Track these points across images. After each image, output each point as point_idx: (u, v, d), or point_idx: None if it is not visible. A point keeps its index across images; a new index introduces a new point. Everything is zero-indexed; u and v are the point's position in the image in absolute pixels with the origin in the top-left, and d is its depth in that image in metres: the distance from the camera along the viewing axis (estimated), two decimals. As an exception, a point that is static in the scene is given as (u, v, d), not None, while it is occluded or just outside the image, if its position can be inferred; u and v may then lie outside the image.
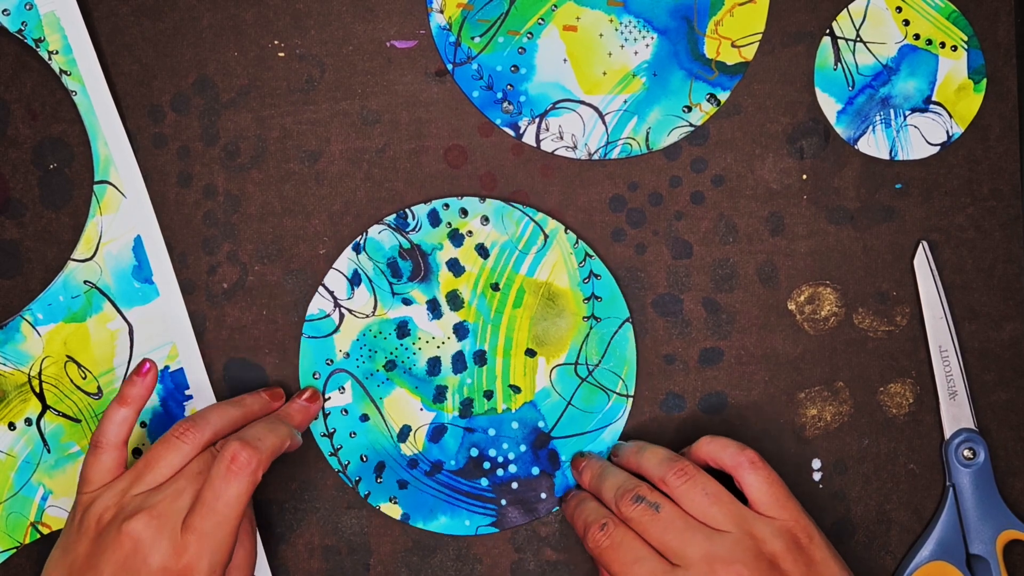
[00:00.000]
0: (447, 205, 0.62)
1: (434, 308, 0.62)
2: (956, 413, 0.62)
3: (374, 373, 0.62)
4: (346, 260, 0.62)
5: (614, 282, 0.62)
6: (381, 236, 0.62)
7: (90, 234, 0.63)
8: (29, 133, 0.63)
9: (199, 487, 0.56)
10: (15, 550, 0.63)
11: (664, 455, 0.58)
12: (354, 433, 0.62)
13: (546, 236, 0.62)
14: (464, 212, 0.62)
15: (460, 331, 0.62)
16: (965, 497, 0.61)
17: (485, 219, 0.62)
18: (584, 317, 0.62)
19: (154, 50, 0.63)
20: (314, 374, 0.62)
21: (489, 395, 0.62)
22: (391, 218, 0.62)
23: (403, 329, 0.62)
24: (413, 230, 0.62)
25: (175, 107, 0.63)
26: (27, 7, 0.62)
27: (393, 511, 0.62)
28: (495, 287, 0.62)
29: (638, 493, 0.56)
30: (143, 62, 0.63)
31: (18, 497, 0.63)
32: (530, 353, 0.62)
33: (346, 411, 0.62)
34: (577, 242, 0.61)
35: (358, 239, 0.62)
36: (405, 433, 0.62)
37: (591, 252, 0.62)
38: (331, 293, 0.62)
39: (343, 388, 0.62)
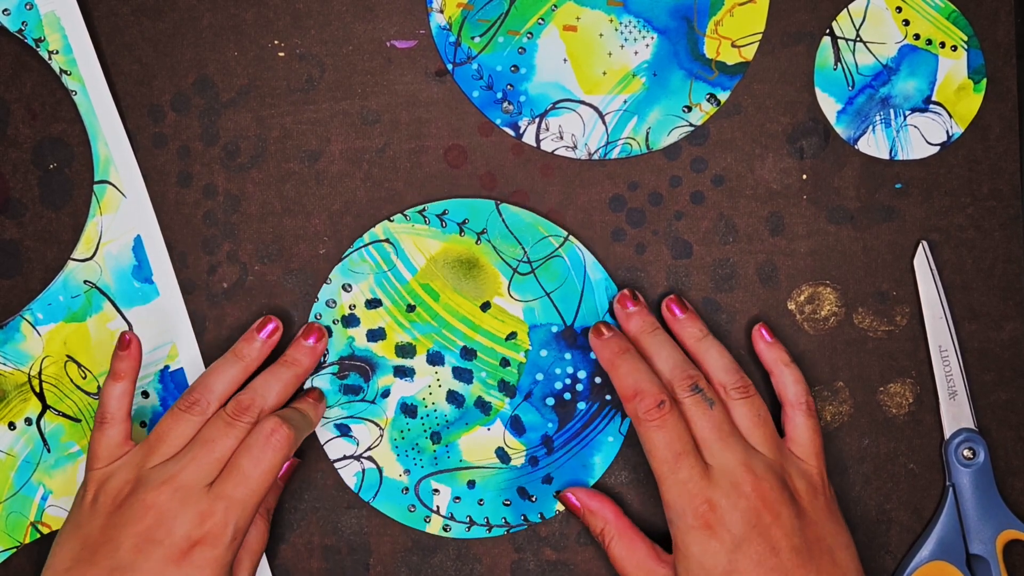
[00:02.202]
0: (319, 315, 0.62)
1: (403, 373, 0.62)
2: (956, 413, 0.62)
3: (436, 455, 0.62)
4: (325, 432, 0.62)
5: (454, 199, 0.62)
6: (331, 383, 0.62)
7: (90, 234, 0.63)
8: (29, 133, 0.63)
9: (217, 455, 0.56)
10: (15, 550, 0.63)
11: (730, 363, 0.59)
12: (481, 501, 0.62)
13: (387, 241, 0.62)
14: (332, 303, 0.62)
15: (435, 359, 0.62)
16: (965, 497, 0.61)
17: (347, 286, 0.62)
18: (475, 243, 0.62)
19: (154, 50, 0.63)
20: (410, 507, 0.62)
21: (505, 363, 0.62)
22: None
23: (408, 410, 0.62)
24: (324, 359, 0.62)
25: (175, 107, 0.63)
26: (27, 7, 0.62)
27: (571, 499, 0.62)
28: (411, 308, 0.62)
29: (697, 383, 0.57)
30: (143, 62, 0.63)
31: (18, 497, 0.63)
32: (485, 307, 0.62)
33: (458, 498, 0.62)
34: (406, 215, 0.62)
35: None
36: (503, 454, 0.62)
37: (420, 207, 0.62)
38: (347, 457, 0.62)
39: (436, 490, 0.62)
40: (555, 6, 0.62)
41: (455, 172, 0.63)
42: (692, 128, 0.62)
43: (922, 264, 0.62)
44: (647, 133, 0.62)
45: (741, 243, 0.63)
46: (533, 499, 0.62)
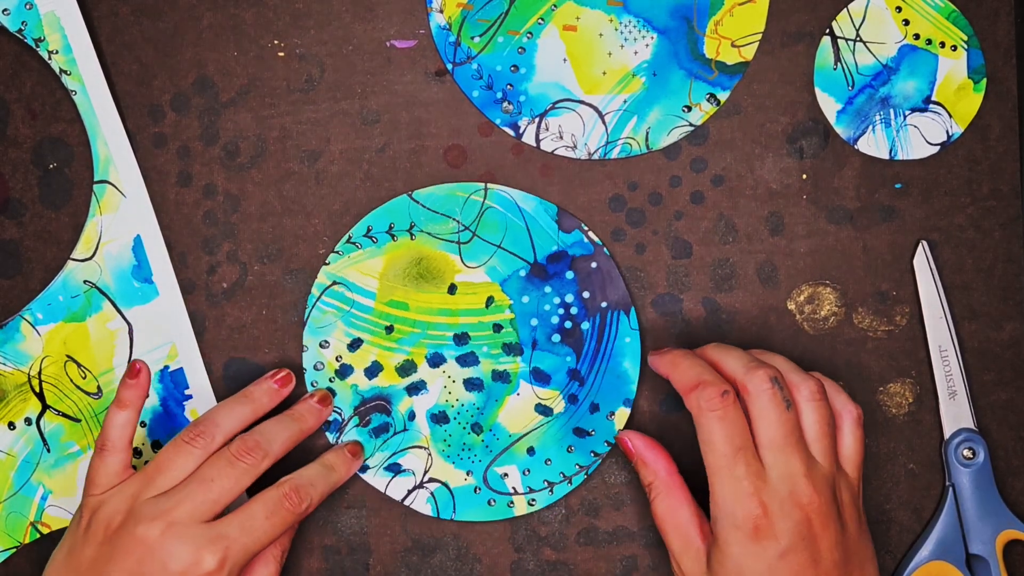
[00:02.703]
0: (314, 382, 0.62)
1: (416, 389, 0.62)
2: (956, 413, 0.62)
3: (485, 443, 0.62)
4: (379, 478, 0.62)
5: (371, 213, 0.62)
6: (358, 435, 0.62)
7: (90, 234, 0.63)
8: (29, 133, 0.63)
9: (214, 495, 0.56)
10: (15, 550, 0.63)
11: (796, 367, 0.57)
12: (548, 460, 0.62)
13: (335, 284, 0.62)
14: (319, 365, 0.62)
15: (435, 360, 0.62)
16: (965, 497, 0.61)
17: (323, 343, 0.62)
18: (411, 240, 0.62)
19: (154, 50, 0.63)
20: (489, 503, 0.62)
21: (498, 328, 0.62)
22: (330, 435, 0.62)
23: (439, 418, 0.62)
24: (342, 418, 0.62)
25: (175, 107, 0.63)
26: (27, 7, 0.62)
27: (622, 418, 0.62)
28: (389, 330, 0.62)
29: (778, 377, 0.55)
30: (143, 62, 0.63)
31: (18, 497, 0.63)
32: (452, 290, 0.62)
33: (527, 470, 0.62)
34: (337, 251, 0.62)
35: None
36: (543, 408, 0.62)
37: (345, 236, 0.62)
38: (411, 490, 0.62)
39: (504, 474, 0.62)
40: (555, 6, 0.62)
41: (455, 172, 0.63)
42: (692, 128, 0.62)
43: (922, 264, 0.62)
44: (647, 133, 0.62)
45: (741, 243, 0.63)
46: (591, 433, 0.62)
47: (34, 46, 0.62)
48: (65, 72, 0.62)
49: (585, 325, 0.62)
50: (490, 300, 0.62)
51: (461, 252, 0.62)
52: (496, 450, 0.62)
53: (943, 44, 0.62)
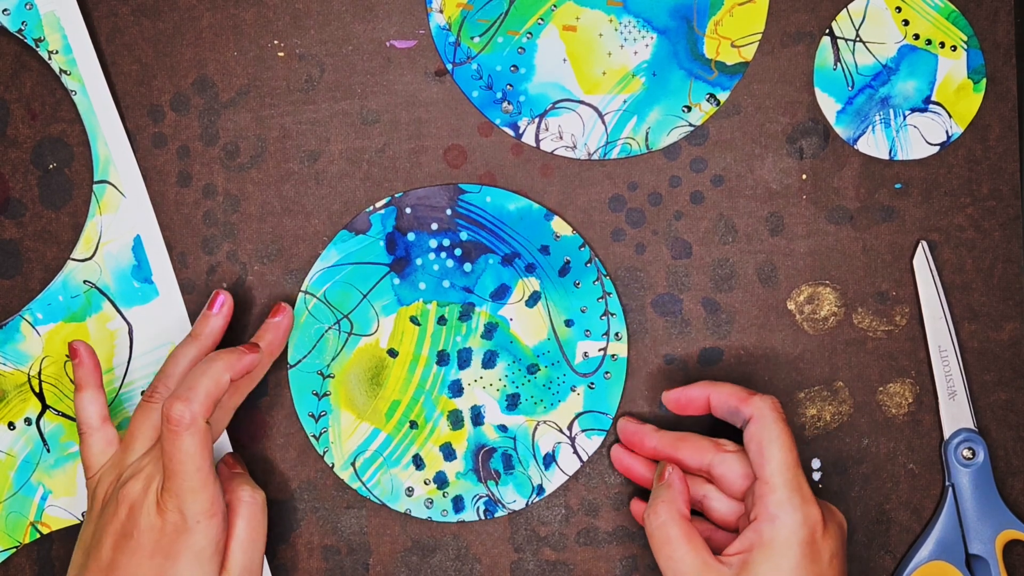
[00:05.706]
0: (444, 511, 0.62)
1: (477, 417, 0.63)
2: (955, 413, 0.62)
3: (547, 364, 0.62)
4: (557, 478, 0.63)
5: (307, 429, 0.63)
6: (506, 485, 0.63)
7: (90, 234, 0.63)
8: (29, 133, 0.63)
9: (153, 442, 0.58)
10: (15, 550, 0.63)
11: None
12: (584, 308, 0.62)
13: (354, 462, 0.63)
14: (428, 503, 0.63)
15: (455, 390, 0.63)
16: (964, 497, 0.61)
17: (408, 491, 0.63)
18: (334, 380, 0.63)
19: (154, 50, 0.63)
20: (605, 375, 0.62)
21: (442, 320, 0.63)
22: (499, 512, 0.62)
23: (512, 403, 0.63)
24: (488, 495, 0.63)
25: (175, 107, 0.63)
26: (27, 7, 0.62)
27: (560, 227, 0.62)
28: (414, 425, 0.62)
29: None
30: (143, 62, 0.63)
31: (18, 497, 0.63)
32: (392, 354, 0.62)
33: (587, 331, 0.62)
34: (322, 452, 0.62)
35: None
36: (531, 298, 0.62)
37: (315, 436, 0.63)
38: (573, 446, 0.62)
39: (584, 353, 0.62)
40: (555, 6, 0.62)
41: (455, 172, 0.63)
42: (692, 128, 0.62)
43: (922, 264, 0.62)
44: (647, 133, 0.62)
45: (741, 243, 0.63)
46: (568, 261, 0.62)
47: (34, 46, 0.62)
48: (65, 72, 0.62)
49: (464, 235, 0.62)
50: (413, 319, 0.62)
51: (359, 331, 0.62)
52: (557, 358, 0.62)
53: (943, 44, 0.62)
